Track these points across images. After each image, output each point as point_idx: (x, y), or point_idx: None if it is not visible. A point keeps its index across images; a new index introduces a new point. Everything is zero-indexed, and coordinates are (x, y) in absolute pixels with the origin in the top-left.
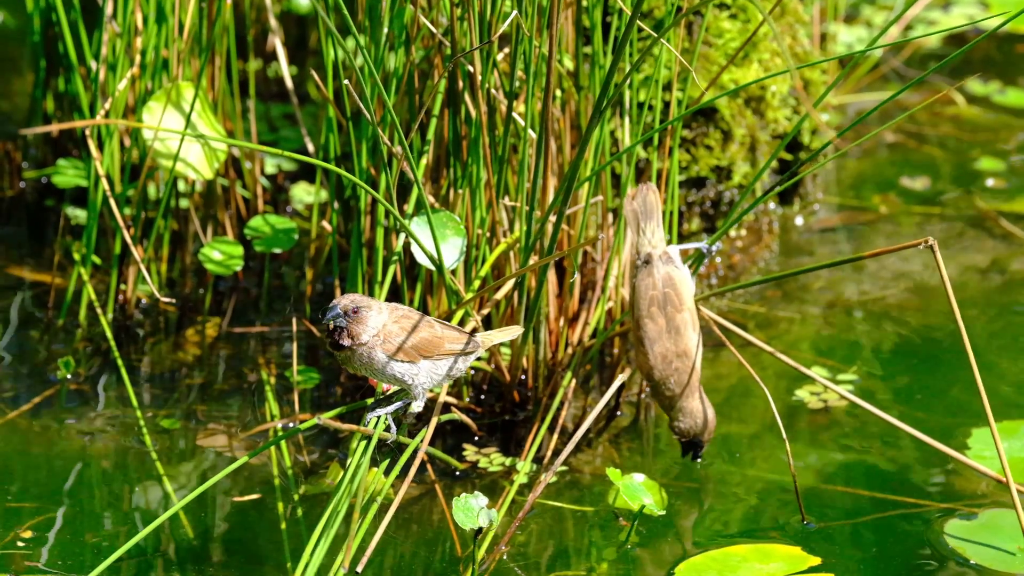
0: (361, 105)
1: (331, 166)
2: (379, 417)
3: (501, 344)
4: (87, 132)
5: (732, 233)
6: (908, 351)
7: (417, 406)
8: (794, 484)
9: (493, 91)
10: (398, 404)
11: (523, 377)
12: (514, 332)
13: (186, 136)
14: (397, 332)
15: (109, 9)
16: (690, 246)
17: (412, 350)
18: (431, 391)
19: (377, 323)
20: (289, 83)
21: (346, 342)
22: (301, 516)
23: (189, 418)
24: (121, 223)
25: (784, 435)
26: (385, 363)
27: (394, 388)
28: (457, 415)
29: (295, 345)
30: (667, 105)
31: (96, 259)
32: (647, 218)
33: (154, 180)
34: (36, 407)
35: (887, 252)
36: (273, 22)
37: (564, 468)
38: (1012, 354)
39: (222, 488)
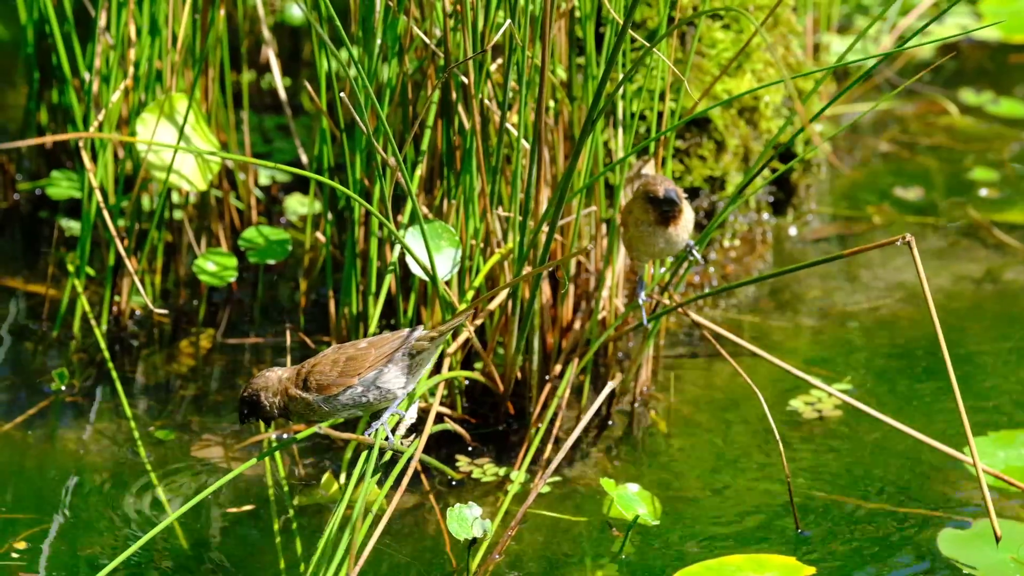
0: (355, 116)
1: (324, 178)
2: (377, 428)
3: (492, 353)
4: (81, 144)
5: (726, 243)
6: (903, 361)
7: (410, 417)
8: (789, 491)
9: (486, 102)
10: (387, 414)
11: (516, 387)
12: (461, 318)
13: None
14: (317, 373)
15: (102, 21)
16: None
17: (340, 378)
18: (410, 395)
19: (273, 382)
20: (283, 94)
21: (271, 421)
22: (296, 527)
23: (183, 429)
24: (115, 235)
25: (778, 437)
26: (324, 402)
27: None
28: (450, 425)
29: (288, 357)
30: (660, 115)
31: (90, 271)
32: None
33: (148, 192)
34: (30, 419)
35: (864, 250)
36: (267, 33)
37: (558, 478)
38: (1007, 364)
39: (217, 499)
